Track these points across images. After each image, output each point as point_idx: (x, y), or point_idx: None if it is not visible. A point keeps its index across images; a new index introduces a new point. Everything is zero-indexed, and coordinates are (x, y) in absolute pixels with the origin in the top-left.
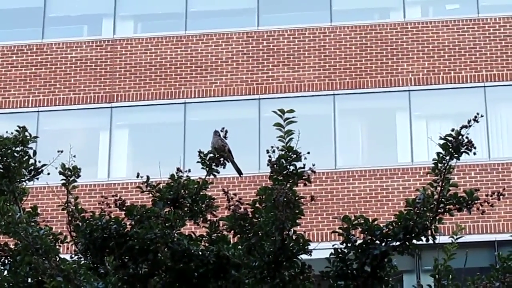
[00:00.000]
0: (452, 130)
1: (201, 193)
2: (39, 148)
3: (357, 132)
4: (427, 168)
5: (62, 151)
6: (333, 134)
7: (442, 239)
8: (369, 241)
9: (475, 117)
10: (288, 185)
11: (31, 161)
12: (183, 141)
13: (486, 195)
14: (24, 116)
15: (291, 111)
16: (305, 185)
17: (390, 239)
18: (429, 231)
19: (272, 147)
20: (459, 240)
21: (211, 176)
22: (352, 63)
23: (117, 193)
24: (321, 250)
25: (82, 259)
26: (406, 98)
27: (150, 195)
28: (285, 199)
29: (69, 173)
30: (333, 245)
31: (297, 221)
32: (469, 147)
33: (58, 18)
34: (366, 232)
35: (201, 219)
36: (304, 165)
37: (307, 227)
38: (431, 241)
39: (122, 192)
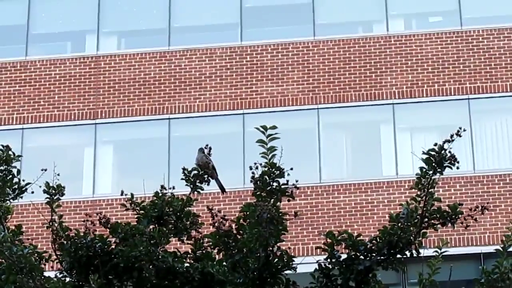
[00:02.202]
0: (435, 144)
1: (186, 210)
2: (24, 165)
3: (342, 146)
4: (412, 181)
5: (46, 170)
6: (318, 147)
7: (427, 252)
8: (353, 256)
9: (458, 131)
10: (272, 202)
11: (15, 180)
12: (167, 157)
13: (470, 209)
14: (8, 134)
15: (274, 127)
16: (289, 200)
17: (374, 254)
18: (413, 245)
19: (255, 163)
20: (444, 253)
21: (195, 193)
22: (335, 77)
23: (102, 210)
24: (306, 265)
25: (67, 277)
26: (390, 111)
27: (135, 212)
28: (269, 216)
29: (53, 191)
30: (317, 261)
31: (281, 237)
32: (452, 161)
33: (42, 35)
34: (350, 248)
35: (186, 236)
36: (287, 181)
37: (292, 241)
38: (415, 255)
39: (107, 209)
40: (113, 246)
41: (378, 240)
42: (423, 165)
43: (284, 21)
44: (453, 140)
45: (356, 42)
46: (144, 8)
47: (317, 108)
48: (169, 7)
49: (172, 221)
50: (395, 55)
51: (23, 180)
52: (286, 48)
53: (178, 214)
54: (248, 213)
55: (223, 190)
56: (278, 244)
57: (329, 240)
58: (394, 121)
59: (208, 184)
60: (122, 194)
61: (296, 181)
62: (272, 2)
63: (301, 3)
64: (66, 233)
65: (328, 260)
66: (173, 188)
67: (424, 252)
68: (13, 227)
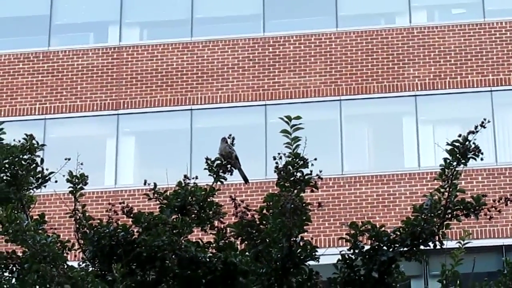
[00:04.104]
0: (459, 136)
1: (209, 200)
2: (46, 155)
3: (364, 137)
4: (434, 173)
5: (69, 159)
6: (340, 139)
7: (449, 244)
8: (376, 247)
9: (482, 123)
10: (295, 192)
11: (39, 169)
12: (189, 148)
13: (494, 201)
14: (31, 124)
15: (298, 117)
16: (312, 191)
17: (397, 245)
18: (436, 236)
19: (279, 153)
20: (466, 246)
21: (218, 183)
22: (358, 69)
23: (124, 200)
24: (328, 256)
25: (90, 266)
26: (413, 103)
27: (157, 202)
28: (292, 206)
29: (76, 180)
30: (340, 251)
31: (304, 227)
32: (476, 153)
33: (64, 26)
34: (373, 238)
35: (209, 226)
36: (311, 171)
37: (314, 232)
38: (438, 247)
39: (129, 199)
40: (136, 236)
41: (402, 231)
42: (447, 156)
43: (307, 13)
44: (477, 132)
45: (379, 33)
46: None
47: (340, 100)
48: None
49: (195, 211)
50: (417, 47)
51: (47, 169)
52: (308, 40)
53: (201, 204)
54: (271, 203)
55: (246, 180)
56: (301, 235)
57: (352, 231)
58: (416, 113)
59: (231, 174)
60: (145, 184)
61: (320, 171)
62: None
63: None
64: (89, 222)
65: (351, 250)
66: (196, 178)
67: (447, 244)
68: (37, 216)
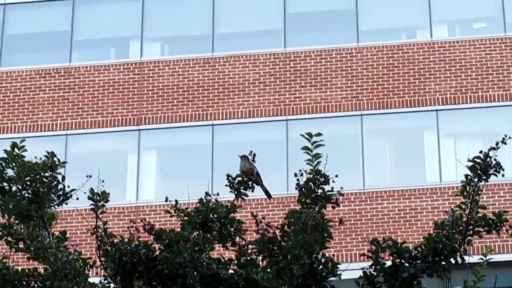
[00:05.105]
0: (480, 152)
1: (230, 217)
2: (68, 171)
3: (385, 152)
4: (456, 188)
5: (90, 176)
6: (361, 154)
7: (471, 259)
8: (398, 263)
9: (503, 139)
10: (317, 208)
11: (60, 186)
12: (211, 163)
13: None
14: (53, 139)
15: (319, 134)
16: (333, 207)
17: (419, 262)
18: (458, 253)
19: (300, 170)
20: (489, 260)
21: (240, 199)
22: (379, 83)
23: (145, 216)
24: (350, 271)
25: (111, 283)
26: (434, 118)
27: (179, 218)
28: (314, 223)
29: (98, 198)
30: (362, 268)
31: (326, 244)
32: (497, 169)
33: (86, 41)
34: (395, 255)
35: (230, 242)
36: (332, 188)
37: (336, 248)
38: (460, 262)
39: (151, 215)
40: (158, 253)
41: (423, 247)
42: (468, 172)
43: (328, 27)
44: (498, 148)
45: (400, 48)
46: (187, 14)
47: (361, 115)
48: (212, 13)
49: (217, 228)
50: (438, 61)
51: (68, 187)
52: (329, 54)
53: (223, 220)
54: (292, 220)
55: (269, 195)
56: (322, 251)
57: (373, 247)
58: (437, 128)
59: (252, 191)
60: (166, 201)
61: (341, 188)
62: (315, 8)
63: (344, 9)
64: (110, 240)
65: (373, 267)
66: (218, 194)
67: (468, 260)
68: (58, 233)
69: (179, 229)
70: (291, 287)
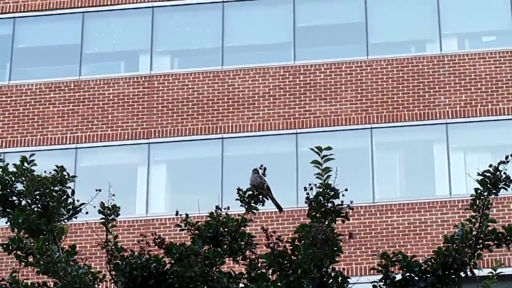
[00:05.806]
0: (490, 165)
1: (240, 231)
2: (77, 184)
3: (395, 165)
4: (466, 201)
5: (100, 190)
6: (371, 167)
7: (481, 272)
8: (408, 277)
9: None
10: (326, 222)
11: (70, 200)
12: (220, 176)
13: None
14: (62, 153)
15: (329, 148)
16: (343, 221)
17: (429, 275)
18: (468, 266)
19: (309, 184)
20: (498, 274)
21: (250, 213)
22: (389, 96)
23: (155, 229)
24: (360, 285)
25: None
26: (444, 131)
27: (189, 232)
28: (323, 237)
29: (108, 212)
30: (372, 282)
31: (336, 258)
32: (507, 183)
33: (95, 55)
34: (405, 269)
35: (241, 256)
36: (342, 202)
37: (345, 261)
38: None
39: (161, 228)
40: (168, 267)
41: (433, 261)
42: (478, 186)
43: (337, 41)
44: (508, 161)
45: (410, 61)
46: (197, 28)
47: (370, 128)
48: (222, 27)
49: (227, 242)
50: (448, 74)
51: (77, 201)
52: (339, 68)
53: (233, 234)
54: (302, 234)
55: (280, 209)
56: (332, 265)
57: (383, 261)
58: (447, 141)
59: (263, 205)
60: (177, 215)
61: (351, 202)
62: (325, 21)
63: (354, 22)
64: (121, 253)
65: (383, 281)
66: (228, 208)
67: (478, 273)
68: (68, 247)
69: (189, 243)
70: None
